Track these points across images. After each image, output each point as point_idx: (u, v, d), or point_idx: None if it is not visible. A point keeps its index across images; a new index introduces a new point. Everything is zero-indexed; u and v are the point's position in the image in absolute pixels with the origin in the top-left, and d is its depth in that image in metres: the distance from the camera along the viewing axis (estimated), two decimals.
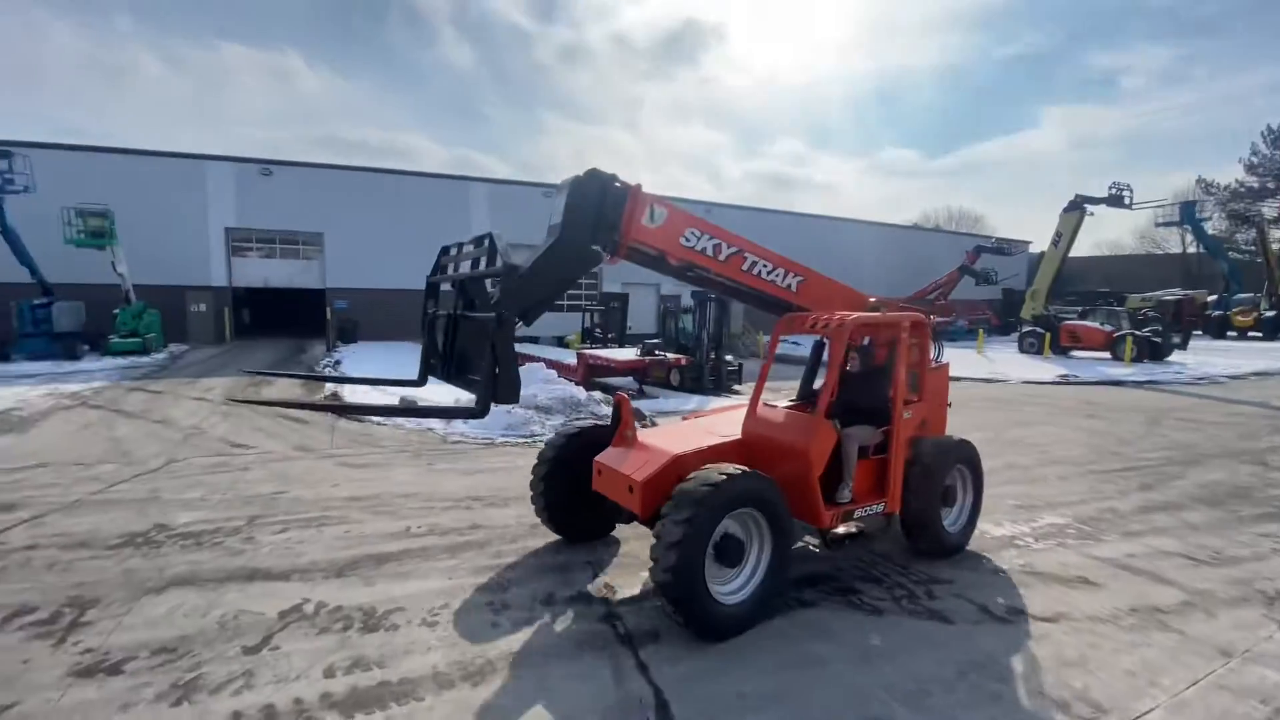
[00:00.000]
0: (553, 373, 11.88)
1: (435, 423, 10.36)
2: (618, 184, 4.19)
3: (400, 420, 10.47)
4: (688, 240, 4.39)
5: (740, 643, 3.70)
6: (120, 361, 16.95)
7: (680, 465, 4.13)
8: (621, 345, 18.09)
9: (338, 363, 17.51)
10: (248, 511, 5.85)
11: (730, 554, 3.82)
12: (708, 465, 3.90)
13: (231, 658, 3.47)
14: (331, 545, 5.08)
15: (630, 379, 14.91)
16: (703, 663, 3.50)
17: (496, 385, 3.79)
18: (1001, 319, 34.78)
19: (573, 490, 4.91)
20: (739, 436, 4.59)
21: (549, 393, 10.78)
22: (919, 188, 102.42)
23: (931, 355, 5.16)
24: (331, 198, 24.93)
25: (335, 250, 25.24)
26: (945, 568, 4.80)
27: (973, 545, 5.24)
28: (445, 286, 4.74)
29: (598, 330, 20.45)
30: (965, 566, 4.86)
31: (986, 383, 16.35)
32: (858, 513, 4.46)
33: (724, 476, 3.65)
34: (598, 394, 12.38)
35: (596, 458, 4.63)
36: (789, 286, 4.77)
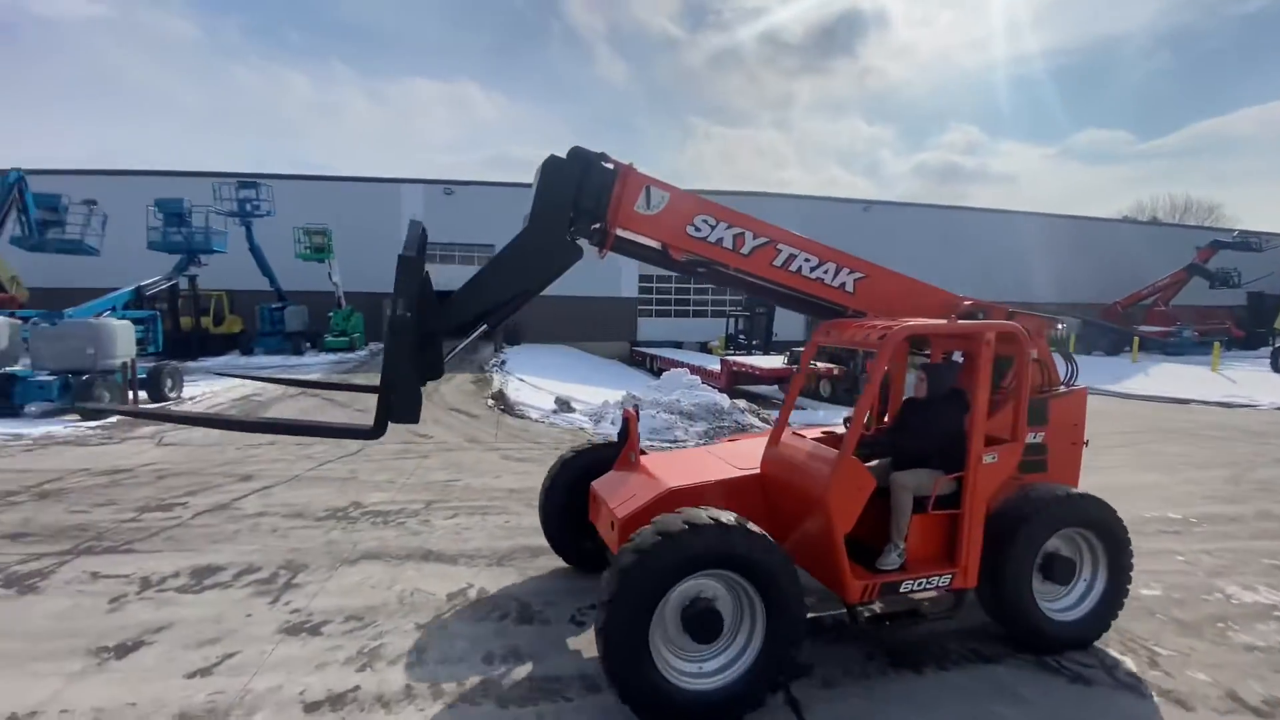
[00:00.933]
0: (696, 379, 11.81)
1: (585, 422, 10.81)
2: (606, 164, 3.58)
3: (553, 419, 11.07)
4: (697, 230, 3.66)
5: (910, 689, 3.31)
6: (332, 357, 20.06)
7: (675, 501, 3.43)
8: (766, 352, 17.60)
9: (503, 362, 19.01)
10: (425, 496, 6.48)
11: (705, 626, 2.96)
12: (694, 506, 3.16)
13: (408, 632, 3.80)
14: (493, 534, 5.44)
15: (776, 388, 14.43)
16: (863, 706, 3.17)
17: (390, 401, 3.25)
18: (1246, 330, 28.59)
19: (578, 516, 4.40)
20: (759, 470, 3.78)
21: (692, 398, 10.71)
22: (1128, 175, 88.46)
23: (1061, 376, 4.04)
24: (500, 212, 27.17)
25: None
26: (1174, 634, 3.94)
27: (1215, 610, 4.26)
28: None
29: (741, 336, 20.10)
30: (1204, 635, 3.95)
31: (1224, 407, 13.49)
32: (907, 585, 3.34)
33: (685, 526, 2.85)
34: (741, 402, 12.10)
35: (593, 483, 4.09)
36: (842, 286, 3.86)
